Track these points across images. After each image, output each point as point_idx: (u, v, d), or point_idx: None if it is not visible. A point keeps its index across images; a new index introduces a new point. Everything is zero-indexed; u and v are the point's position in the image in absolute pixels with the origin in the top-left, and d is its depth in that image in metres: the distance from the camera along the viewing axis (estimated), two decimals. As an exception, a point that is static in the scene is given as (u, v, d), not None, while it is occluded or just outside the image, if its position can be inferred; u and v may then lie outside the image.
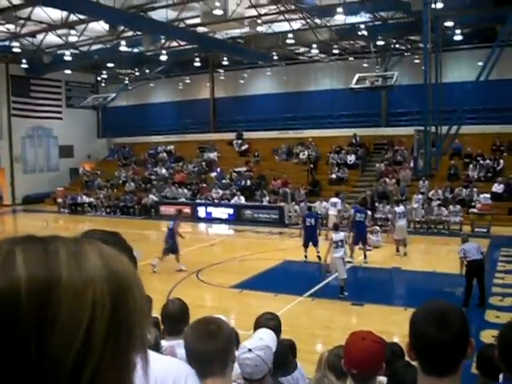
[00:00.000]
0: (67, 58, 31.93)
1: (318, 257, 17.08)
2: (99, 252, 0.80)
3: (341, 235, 14.09)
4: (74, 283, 0.72)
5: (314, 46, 32.51)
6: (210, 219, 28.96)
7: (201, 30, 29.23)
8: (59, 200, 34.45)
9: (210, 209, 29.61)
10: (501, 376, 3.50)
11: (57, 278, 0.72)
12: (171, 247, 16.71)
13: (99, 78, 43.65)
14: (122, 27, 28.02)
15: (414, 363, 2.23)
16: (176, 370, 1.66)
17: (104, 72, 41.32)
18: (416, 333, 2.04)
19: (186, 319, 4.84)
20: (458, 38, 28.97)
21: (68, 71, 37.78)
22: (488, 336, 9.66)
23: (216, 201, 30.39)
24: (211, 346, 2.40)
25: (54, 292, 0.71)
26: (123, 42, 29.50)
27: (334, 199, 23.02)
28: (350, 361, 2.83)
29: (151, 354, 1.78)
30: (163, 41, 31.90)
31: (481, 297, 12.81)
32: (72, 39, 29.17)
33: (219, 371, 2.44)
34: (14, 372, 0.67)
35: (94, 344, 0.71)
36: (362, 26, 27.71)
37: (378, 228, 21.23)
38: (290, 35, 29.59)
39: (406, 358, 4.31)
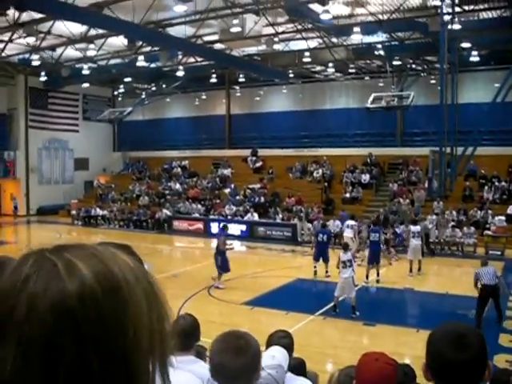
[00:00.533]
0: (85, 71, 32.31)
1: (327, 275, 17.13)
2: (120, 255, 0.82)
3: (348, 255, 13.95)
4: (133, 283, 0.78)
5: (331, 64, 32.65)
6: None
7: (218, 46, 29.44)
8: (73, 212, 34.67)
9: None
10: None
11: (123, 279, 0.76)
12: (220, 264, 16.65)
13: (116, 92, 44.01)
14: (141, 42, 28.32)
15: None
16: None
17: (121, 86, 41.68)
18: (433, 353, 2.03)
19: (197, 335, 4.82)
20: (474, 59, 28.93)
21: (86, 85, 38.16)
22: (501, 360, 9.55)
23: (229, 217, 30.39)
24: (239, 362, 2.37)
25: (121, 292, 0.75)
26: (141, 57, 29.82)
27: (349, 221, 22.76)
28: (362, 382, 2.81)
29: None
30: (180, 56, 32.20)
31: (498, 316, 12.99)
32: (90, 53, 29.53)
33: None
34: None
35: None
36: (379, 46, 27.77)
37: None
38: (307, 53, 29.76)
39: (418, 381, 4.28)
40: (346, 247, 14.53)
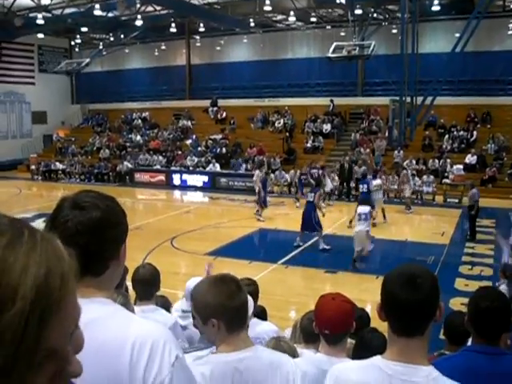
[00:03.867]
0: (39, 21, 31.03)
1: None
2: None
3: (365, 208, 14.05)
4: None
5: (292, 13, 32.22)
6: (184, 187, 28.90)
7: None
8: (32, 167, 33.99)
9: (184, 176, 29.54)
10: (469, 341, 3.60)
11: None
12: (317, 220, 16.03)
13: (73, 43, 42.72)
14: (97, -10, 27.49)
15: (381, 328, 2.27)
16: (155, 333, 1.66)
17: (78, 37, 40.52)
18: (387, 294, 2.08)
19: (157, 283, 4.87)
20: (435, 8, 28.88)
21: (40, 35, 36.82)
22: (457, 303, 9.85)
23: (191, 168, 30.31)
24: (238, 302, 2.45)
25: None
26: (97, 6, 28.92)
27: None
28: (321, 321, 2.88)
29: (129, 315, 1.78)
30: (138, 5, 31.27)
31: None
32: (44, 2, 28.49)
33: (245, 323, 2.56)
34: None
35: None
36: (341, -6, 27.49)
37: None
38: (268, 2, 29.22)
39: (373, 323, 4.40)
40: (364, 201, 14.68)
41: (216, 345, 2.47)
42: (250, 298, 3.41)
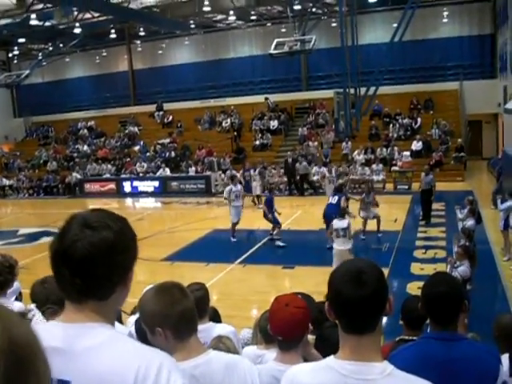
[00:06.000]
0: (-27, 34, 30.37)
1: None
2: (8, 337, 0.77)
3: (344, 223, 12.04)
4: None
5: (231, 12, 32.25)
6: (136, 193, 28.62)
7: (114, 0, 28.41)
8: (-22, 184, 33.13)
9: (135, 183, 29.27)
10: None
11: None
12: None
13: (10, 55, 41.77)
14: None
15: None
16: (158, 362, 1.60)
17: (15, 48, 39.60)
18: (333, 292, 2.06)
19: None
20: (372, 0, 29.41)
21: (-24, 48, 35.99)
22: (414, 288, 10.03)
23: (141, 174, 30.03)
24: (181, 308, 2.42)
25: None
26: (33, 16, 28.28)
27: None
28: (274, 328, 2.86)
29: (131, 341, 1.72)
30: (76, 13, 30.73)
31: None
32: (-23, 14, 27.77)
33: (194, 329, 2.52)
34: None
35: None
36: (279, -9, 27.60)
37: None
38: (207, 2, 29.12)
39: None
40: (342, 214, 12.49)
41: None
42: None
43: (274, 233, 16.05)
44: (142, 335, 2.50)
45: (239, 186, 17.72)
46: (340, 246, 11.74)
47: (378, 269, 2.08)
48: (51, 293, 3.61)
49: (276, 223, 15.96)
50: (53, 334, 1.61)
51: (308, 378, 2.10)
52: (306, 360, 2.82)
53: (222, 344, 3.33)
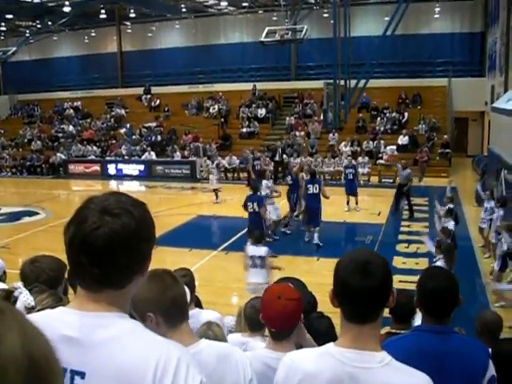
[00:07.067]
0: (-39, 7, 29.86)
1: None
2: (20, 331, 0.73)
3: (261, 250, 9.73)
4: None
5: (224, -3, 32.05)
6: (120, 176, 28.47)
7: (105, -21, 28.14)
8: (-40, 160, 32.74)
9: (120, 165, 29.11)
10: (417, 319, 3.66)
11: None
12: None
13: (-3, 31, 41.25)
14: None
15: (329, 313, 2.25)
16: (177, 356, 1.55)
17: (3, 24, 39.03)
18: (339, 281, 2.07)
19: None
20: (365, -8, 29.44)
21: (-38, 23, 35.41)
22: (396, 281, 10.05)
23: (126, 157, 29.85)
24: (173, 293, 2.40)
25: None
26: (22, -8, 27.93)
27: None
28: (267, 319, 2.85)
29: (149, 333, 1.64)
30: (66, -10, 30.38)
31: (409, 211, 17.57)
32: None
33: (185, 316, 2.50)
34: None
35: None
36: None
37: None
38: (199, -13, 28.97)
39: (324, 307, 4.42)
40: (258, 238, 10.04)
41: None
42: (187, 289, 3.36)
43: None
44: None
45: (271, 180, 16.64)
46: (253, 279, 9.40)
47: (383, 259, 2.11)
48: (42, 271, 3.57)
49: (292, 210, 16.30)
50: (67, 322, 1.56)
51: (307, 364, 2.11)
52: (301, 346, 2.81)
53: (210, 331, 3.31)
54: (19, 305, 2.87)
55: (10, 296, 2.89)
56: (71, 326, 1.54)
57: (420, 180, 23.16)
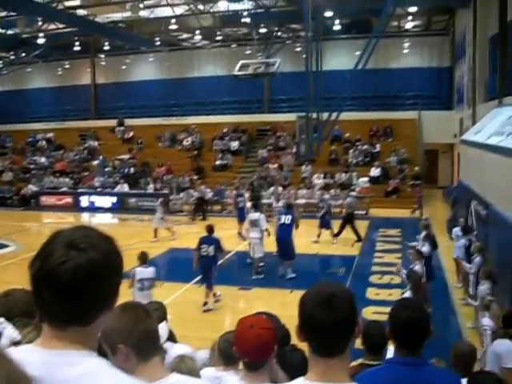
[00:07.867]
0: None
1: None
2: (6, 374, 0.75)
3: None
4: None
5: (198, 32, 32.38)
6: (93, 208, 28.21)
7: (80, 12, 28.21)
8: None
9: (92, 198, 28.87)
10: (389, 351, 3.68)
11: None
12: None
13: (-30, 62, 41.00)
14: (-6, 7, 26.45)
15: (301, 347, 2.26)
16: None
17: (-24, 55, 38.93)
18: (304, 315, 2.07)
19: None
20: (337, 27, 30.05)
21: None
22: (369, 312, 10.12)
23: (99, 189, 29.66)
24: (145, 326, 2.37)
25: None
26: (-4, 24, 27.92)
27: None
28: (240, 350, 2.83)
29: (116, 373, 1.61)
30: (40, 23, 30.39)
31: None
32: None
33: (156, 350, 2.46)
34: None
35: None
36: (245, 14, 27.81)
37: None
38: (173, 21, 29.21)
39: (293, 341, 4.43)
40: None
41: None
42: (163, 325, 3.34)
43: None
44: (102, 356, 2.43)
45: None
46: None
47: (348, 292, 2.11)
48: (14, 305, 3.50)
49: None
50: (29, 360, 1.48)
51: None
52: (273, 381, 2.80)
53: (183, 364, 3.29)
54: (4, 340, 2.81)
55: None
56: (33, 364, 1.46)
57: (421, 215, 22.74)
